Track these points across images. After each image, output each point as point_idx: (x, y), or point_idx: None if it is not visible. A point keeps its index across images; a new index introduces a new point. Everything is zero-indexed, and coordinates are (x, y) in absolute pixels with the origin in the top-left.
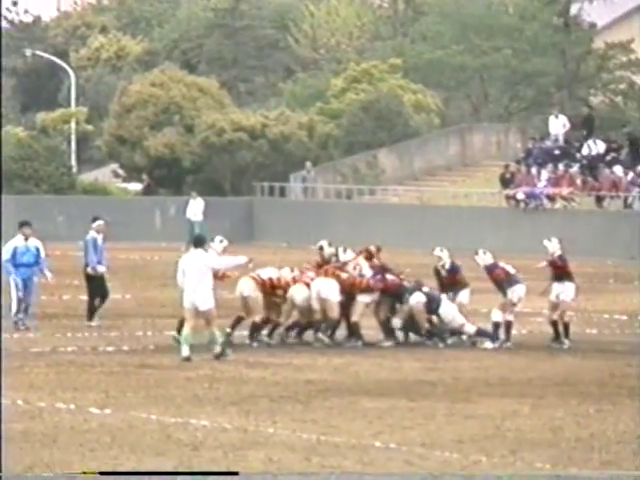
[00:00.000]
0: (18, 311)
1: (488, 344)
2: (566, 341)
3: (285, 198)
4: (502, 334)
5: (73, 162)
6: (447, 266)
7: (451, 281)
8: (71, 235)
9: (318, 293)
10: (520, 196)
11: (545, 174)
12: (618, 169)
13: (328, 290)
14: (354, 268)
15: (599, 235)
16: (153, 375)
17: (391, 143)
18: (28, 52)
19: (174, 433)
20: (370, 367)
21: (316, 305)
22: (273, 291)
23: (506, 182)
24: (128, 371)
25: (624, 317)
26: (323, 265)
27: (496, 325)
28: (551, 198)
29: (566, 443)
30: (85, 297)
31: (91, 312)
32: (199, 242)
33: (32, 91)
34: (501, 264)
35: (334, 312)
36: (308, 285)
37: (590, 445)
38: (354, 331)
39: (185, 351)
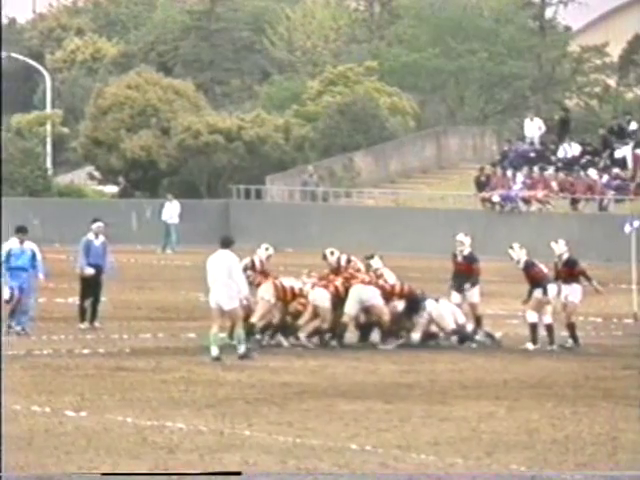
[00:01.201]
0: (10, 316)
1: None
2: (569, 340)
3: (261, 200)
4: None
5: (49, 164)
6: (465, 252)
7: (464, 269)
8: (47, 237)
9: (360, 299)
10: (496, 199)
11: (520, 177)
12: (593, 172)
13: (371, 295)
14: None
15: (574, 238)
16: (129, 378)
17: (367, 146)
18: (3, 54)
19: (150, 436)
20: (346, 370)
21: (353, 311)
22: (294, 298)
23: (482, 185)
24: (104, 374)
25: (599, 319)
26: (338, 272)
27: (533, 326)
28: (526, 201)
29: (541, 445)
30: (60, 300)
31: (82, 314)
32: (226, 243)
33: (7, 93)
34: (535, 261)
35: (386, 315)
36: (328, 288)
37: (565, 447)
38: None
39: (214, 351)
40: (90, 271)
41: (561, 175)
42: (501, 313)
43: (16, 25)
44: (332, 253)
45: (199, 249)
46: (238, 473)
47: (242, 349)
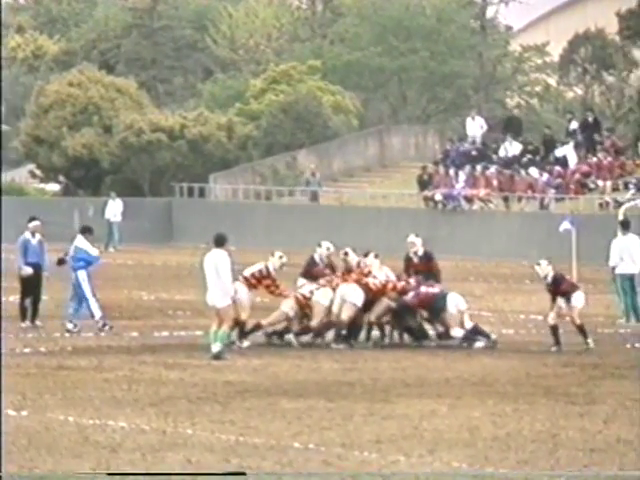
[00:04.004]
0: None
1: (479, 344)
2: (589, 341)
3: (204, 199)
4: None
5: None
6: (420, 253)
7: (425, 268)
8: None
9: (342, 297)
10: (438, 197)
11: (462, 175)
12: (534, 171)
13: (349, 293)
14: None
15: (515, 236)
16: (71, 377)
17: (310, 144)
18: None
19: (92, 435)
20: (289, 368)
21: (337, 309)
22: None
23: (424, 183)
24: (45, 373)
25: (540, 317)
26: (350, 272)
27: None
28: (469, 199)
29: (483, 442)
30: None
31: (22, 313)
32: (220, 241)
33: None
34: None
35: (345, 316)
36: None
37: (506, 444)
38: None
39: (215, 348)
40: (28, 271)
41: (502, 173)
42: None
43: None
44: (347, 254)
45: (142, 247)
46: (243, 474)
47: (216, 348)
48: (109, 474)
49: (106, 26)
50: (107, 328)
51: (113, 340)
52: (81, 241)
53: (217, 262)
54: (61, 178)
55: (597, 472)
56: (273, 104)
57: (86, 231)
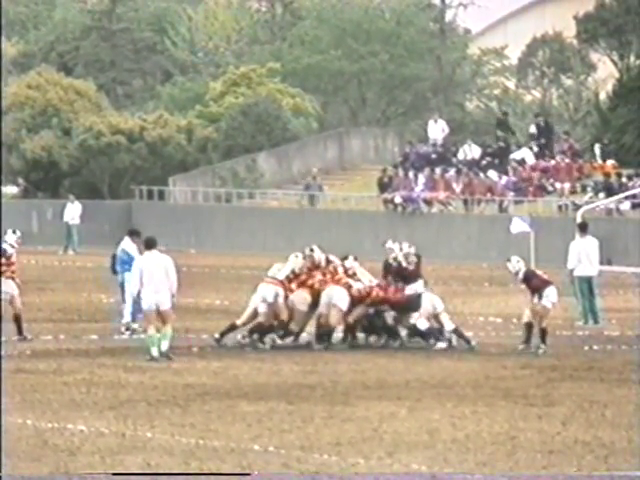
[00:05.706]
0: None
1: (440, 344)
2: (542, 346)
3: (164, 202)
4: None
5: None
6: (399, 258)
7: (404, 272)
8: None
9: (330, 299)
10: (397, 200)
11: (422, 178)
12: (493, 173)
13: (339, 297)
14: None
15: (474, 239)
16: (29, 380)
17: (270, 147)
18: None
19: (50, 438)
20: (249, 371)
21: (324, 310)
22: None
23: (384, 186)
24: (3, 376)
25: (499, 320)
26: (314, 269)
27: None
28: (428, 202)
29: (442, 444)
30: None
31: None
32: (152, 243)
33: None
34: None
35: (334, 319)
36: (311, 289)
37: (465, 446)
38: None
39: (155, 352)
40: None
41: (462, 175)
42: None
43: None
44: (313, 250)
45: (101, 250)
46: (247, 474)
47: (166, 346)
48: (114, 474)
49: (65, 28)
50: (128, 333)
51: (72, 343)
52: (127, 243)
53: (166, 264)
54: (20, 181)
55: (555, 473)
56: (233, 107)
57: (133, 234)
